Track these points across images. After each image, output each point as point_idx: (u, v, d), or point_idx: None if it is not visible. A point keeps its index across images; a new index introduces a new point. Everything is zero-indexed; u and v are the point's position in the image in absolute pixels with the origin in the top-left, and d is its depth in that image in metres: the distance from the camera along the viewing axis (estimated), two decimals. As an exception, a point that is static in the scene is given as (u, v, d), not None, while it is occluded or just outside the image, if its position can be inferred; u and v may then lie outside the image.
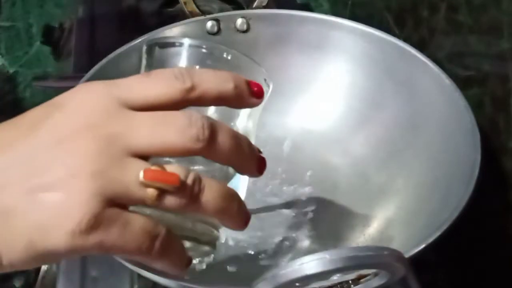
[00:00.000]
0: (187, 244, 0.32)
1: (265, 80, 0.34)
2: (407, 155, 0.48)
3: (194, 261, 0.32)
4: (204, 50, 0.34)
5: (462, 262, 0.49)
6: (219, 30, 0.54)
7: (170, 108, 0.29)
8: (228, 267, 0.44)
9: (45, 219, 0.25)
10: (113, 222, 0.26)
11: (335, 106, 0.54)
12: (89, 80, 0.48)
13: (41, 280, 0.49)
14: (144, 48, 0.35)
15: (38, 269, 0.50)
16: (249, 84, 0.31)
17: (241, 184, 0.36)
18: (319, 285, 0.31)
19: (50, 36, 0.68)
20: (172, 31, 0.53)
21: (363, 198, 0.48)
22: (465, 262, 0.49)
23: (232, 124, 0.34)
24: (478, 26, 0.45)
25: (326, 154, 0.52)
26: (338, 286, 0.32)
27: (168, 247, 0.28)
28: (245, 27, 0.54)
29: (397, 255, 0.28)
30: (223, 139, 0.29)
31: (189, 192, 0.27)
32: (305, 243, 0.46)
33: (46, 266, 0.49)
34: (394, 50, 0.50)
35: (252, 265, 0.44)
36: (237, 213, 0.30)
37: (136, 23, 0.66)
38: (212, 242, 0.34)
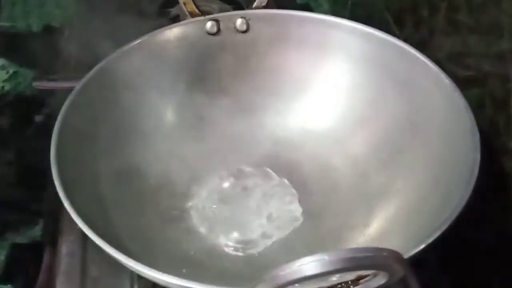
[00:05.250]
0: None
1: None
2: (407, 155, 0.48)
3: None
4: None
5: (462, 262, 0.49)
6: (218, 30, 0.54)
7: None
8: (225, 267, 0.44)
9: None
10: None
11: (335, 106, 0.54)
12: (89, 80, 0.48)
13: (41, 279, 0.49)
14: None
15: (38, 269, 0.50)
16: None
17: None
18: (318, 286, 0.31)
19: (50, 36, 0.68)
20: (172, 31, 0.53)
21: (363, 198, 0.48)
22: (465, 262, 0.49)
23: None
24: (478, 26, 0.45)
25: (326, 154, 0.52)
26: (338, 286, 0.32)
27: None
28: (244, 27, 0.54)
29: (396, 256, 0.28)
30: None
31: None
32: (305, 243, 0.46)
33: (46, 266, 0.49)
34: (394, 50, 0.50)
35: (250, 265, 0.44)
36: None
37: (136, 23, 0.66)
38: None
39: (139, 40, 0.52)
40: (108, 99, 0.49)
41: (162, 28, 0.53)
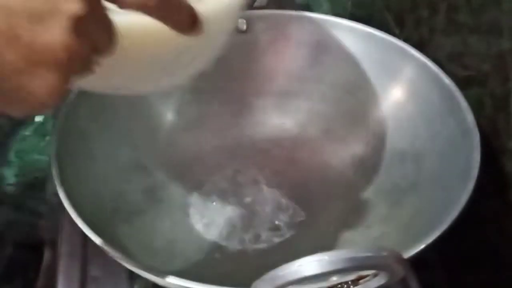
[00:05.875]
0: None
1: None
2: (406, 155, 0.48)
3: None
4: None
5: (462, 262, 0.49)
6: (219, 30, 0.54)
7: None
8: (225, 267, 0.44)
9: None
10: None
11: (335, 106, 0.54)
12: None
13: (41, 279, 0.49)
14: None
15: (38, 269, 0.50)
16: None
17: None
18: (318, 286, 0.31)
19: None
20: (172, 31, 0.53)
21: (363, 198, 0.48)
22: (465, 262, 0.49)
23: None
24: (478, 26, 0.45)
25: (326, 154, 0.52)
26: (338, 286, 0.32)
27: None
28: (245, 27, 0.54)
29: (396, 256, 0.28)
30: None
31: None
32: (305, 243, 0.46)
33: (46, 266, 0.49)
34: (394, 50, 0.50)
35: (250, 265, 0.44)
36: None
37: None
38: None
39: (139, 40, 0.52)
40: (108, 99, 0.49)
41: (162, 28, 0.53)
